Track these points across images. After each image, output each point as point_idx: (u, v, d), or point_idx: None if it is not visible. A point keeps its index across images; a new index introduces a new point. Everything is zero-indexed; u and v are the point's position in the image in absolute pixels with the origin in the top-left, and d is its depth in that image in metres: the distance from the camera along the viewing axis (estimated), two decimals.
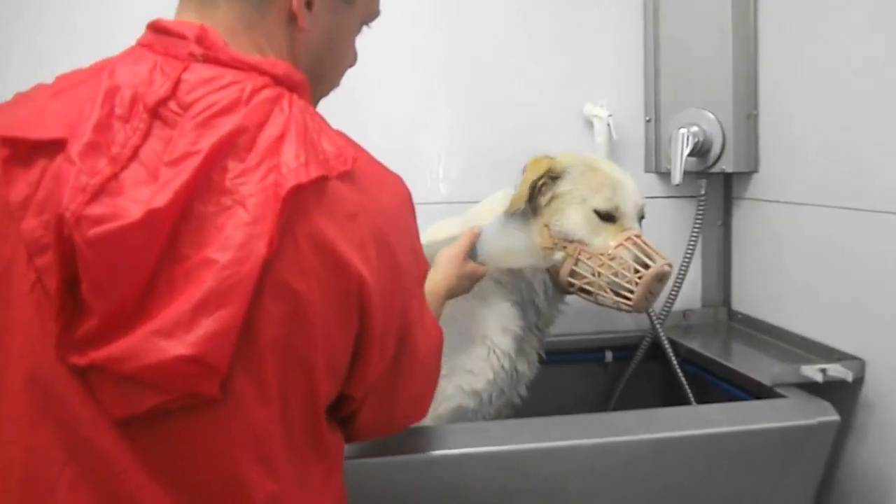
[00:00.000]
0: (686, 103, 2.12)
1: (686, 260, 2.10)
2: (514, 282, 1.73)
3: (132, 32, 1.00)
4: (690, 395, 1.95)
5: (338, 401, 1.00)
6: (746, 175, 2.11)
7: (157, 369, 0.82)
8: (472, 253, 1.58)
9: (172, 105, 0.89)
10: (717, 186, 2.22)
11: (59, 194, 0.83)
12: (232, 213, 0.85)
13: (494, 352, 1.69)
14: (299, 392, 0.91)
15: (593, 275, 1.62)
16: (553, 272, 1.71)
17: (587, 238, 1.64)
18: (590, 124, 2.17)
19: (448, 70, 2.17)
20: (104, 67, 0.93)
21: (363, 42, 1.12)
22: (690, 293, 2.24)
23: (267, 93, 0.92)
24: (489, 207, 1.75)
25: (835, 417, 1.54)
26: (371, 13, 1.13)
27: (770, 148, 2.03)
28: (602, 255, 1.61)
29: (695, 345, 2.04)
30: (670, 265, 1.61)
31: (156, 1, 1.15)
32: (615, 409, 2.13)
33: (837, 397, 1.60)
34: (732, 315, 2.24)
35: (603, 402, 2.17)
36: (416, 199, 1.04)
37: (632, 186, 1.70)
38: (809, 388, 1.64)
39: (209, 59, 0.94)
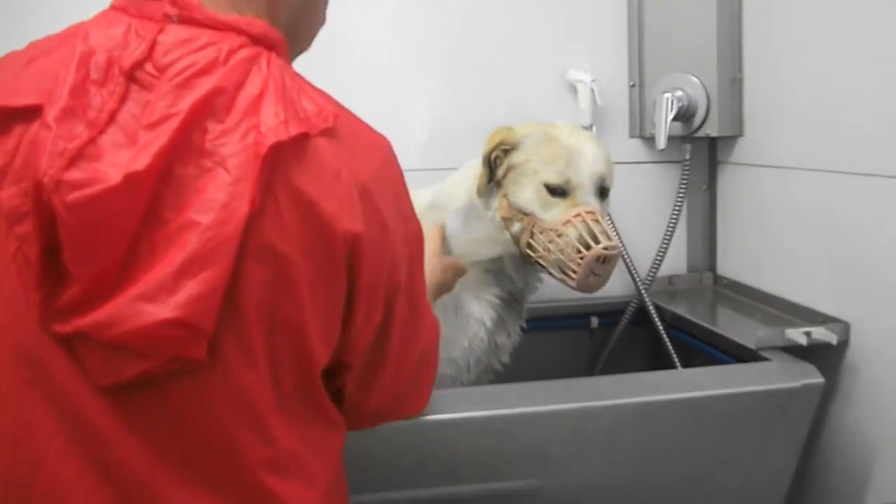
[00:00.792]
0: (670, 67, 2.11)
1: (671, 225, 2.10)
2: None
3: None
4: (676, 359, 1.96)
5: (332, 369, 0.99)
6: (731, 139, 2.11)
7: (142, 334, 0.81)
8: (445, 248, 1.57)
9: (149, 67, 0.88)
10: (701, 151, 2.21)
11: (36, 160, 0.82)
12: (213, 175, 0.84)
13: (468, 320, 1.68)
14: (289, 357, 0.91)
15: (545, 249, 1.59)
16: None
17: (538, 213, 1.59)
18: (573, 90, 2.15)
19: (430, 36, 2.15)
20: (77, 32, 0.91)
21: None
22: (676, 258, 2.24)
23: (244, 52, 0.91)
24: (460, 180, 1.74)
25: (819, 380, 1.54)
26: None
27: (755, 112, 2.03)
28: (552, 230, 1.57)
29: (680, 310, 2.04)
30: (614, 247, 1.53)
31: None
32: (601, 374, 2.13)
33: (822, 360, 1.61)
34: (718, 280, 2.24)
35: (589, 367, 2.18)
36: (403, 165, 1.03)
37: (591, 156, 1.62)
38: (794, 351, 1.64)
39: (184, 20, 0.92)
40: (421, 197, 1.71)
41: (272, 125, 0.86)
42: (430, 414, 1.39)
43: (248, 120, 0.86)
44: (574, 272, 1.54)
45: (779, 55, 1.91)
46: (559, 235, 1.55)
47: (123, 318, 0.81)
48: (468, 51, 2.16)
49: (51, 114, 0.83)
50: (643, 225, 2.19)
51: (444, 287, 1.56)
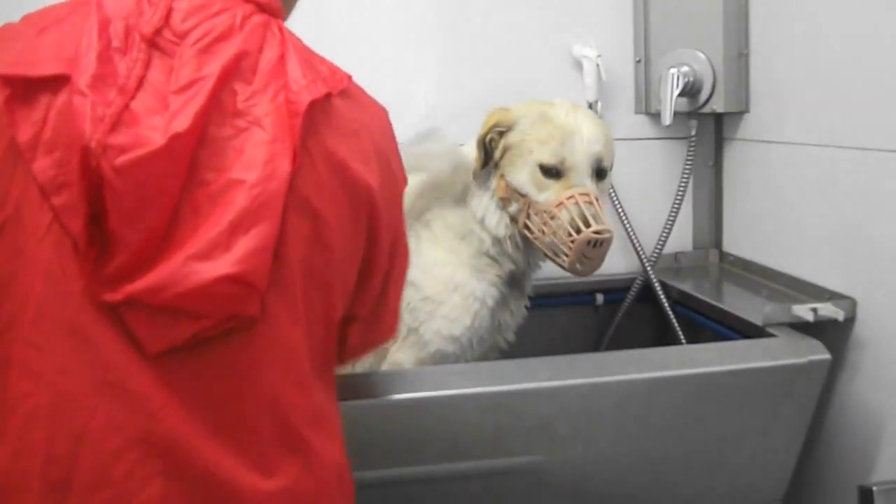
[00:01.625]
0: (676, 43, 2.09)
1: (677, 202, 2.09)
2: (480, 234, 1.68)
3: None
4: (682, 336, 1.95)
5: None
6: (737, 115, 2.09)
7: (198, 293, 0.82)
8: None
9: (167, 34, 0.90)
10: (707, 127, 2.19)
11: (73, 128, 0.82)
12: (249, 134, 0.86)
13: (469, 298, 1.66)
14: (320, 313, 0.94)
15: (539, 231, 1.58)
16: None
17: (533, 194, 1.59)
18: (579, 65, 2.14)
19: (436, 12, 2.13)
20: (88, 1, 0.91)
21: None
22: (682, 235, 2.23)
23: (256, 18, 0.93)
24: (467, 154, 1.72)
25: (826, 356, 1.54)
26: None
27: (761, 87, 2.01)
28: (545, 212, 1.56)
29: (686, 286, 2.03)
30: (605, 231, 1.52)
31: None
32: (606, 351, 2.12)
33: (829, 336, 1.60)
34: (724, 256, 2.23)
35: (594, 344, 2.18)
36: (403, 140, 1.06)
37: (587, 136, 1.60)
38: (801, 327, 1.64)
39: None
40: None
41: (303, 84, 0.89)
42: (435, 390, 1.39)
43: (275, 81, 0.89)
44: (566, 255, 1.54)
45: (785, 30, 1.89)
46: (552, 218, 1.55)
47: (178, 279, 0.82)
48: (473, 26, 2.14)
49: (83, 80, 0.84)
50: (649, 201, 2.18)
51: None
